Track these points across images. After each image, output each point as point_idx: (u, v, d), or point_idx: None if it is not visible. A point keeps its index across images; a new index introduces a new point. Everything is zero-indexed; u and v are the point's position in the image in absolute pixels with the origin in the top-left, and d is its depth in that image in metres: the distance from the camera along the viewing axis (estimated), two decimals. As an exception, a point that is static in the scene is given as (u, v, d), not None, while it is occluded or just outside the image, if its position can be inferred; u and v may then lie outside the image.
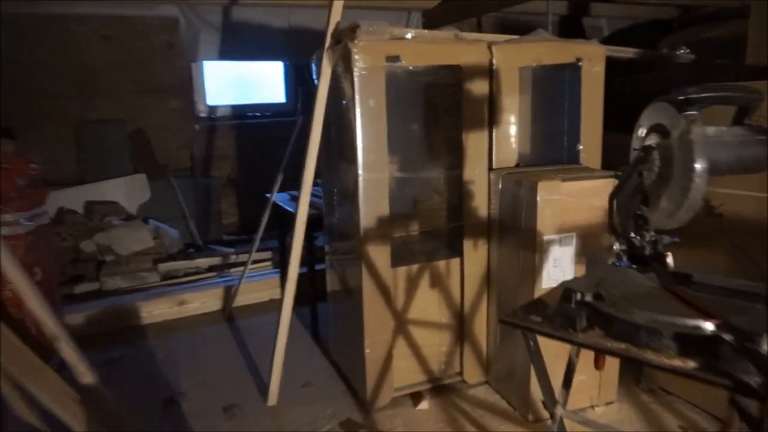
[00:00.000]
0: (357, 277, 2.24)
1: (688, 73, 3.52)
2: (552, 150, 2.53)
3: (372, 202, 2.16)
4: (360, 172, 2.12)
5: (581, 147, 2.54)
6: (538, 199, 2.04)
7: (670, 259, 1.27)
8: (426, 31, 2.17)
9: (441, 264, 2.37)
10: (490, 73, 2.28)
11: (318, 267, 3.04)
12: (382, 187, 2.17)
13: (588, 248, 2.16)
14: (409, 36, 2.09)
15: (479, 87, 2.28)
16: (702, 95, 1.13)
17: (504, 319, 1.22)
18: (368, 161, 2.13)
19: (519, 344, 2.22)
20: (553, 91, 2.49)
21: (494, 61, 2.27)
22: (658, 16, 6.05)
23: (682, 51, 3.27)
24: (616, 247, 1.31)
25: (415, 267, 2.32)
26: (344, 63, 2.13)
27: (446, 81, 2.24)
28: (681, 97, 1.14)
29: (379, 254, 2.21)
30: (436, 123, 2.28)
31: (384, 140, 2.14)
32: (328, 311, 2.81)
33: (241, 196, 4.94)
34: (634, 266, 1.26)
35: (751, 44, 2.77)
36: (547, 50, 2.39)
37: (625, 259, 1.28)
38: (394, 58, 2.08)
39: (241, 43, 4.52)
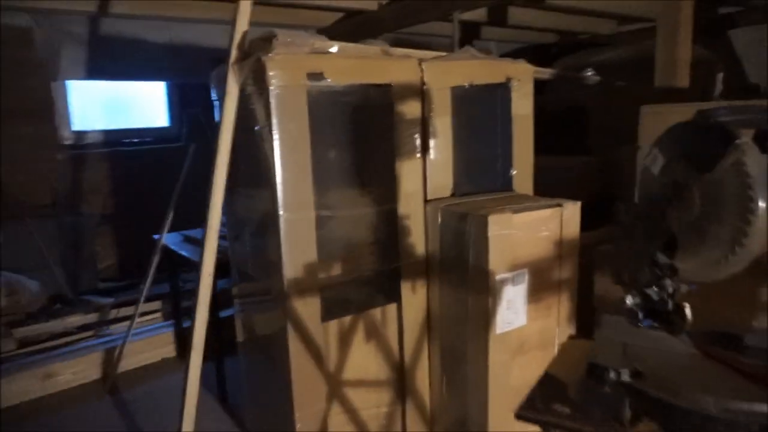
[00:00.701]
0: (280, 333, 1.85)
1: (588, 94, 3.57)
2: (485, 176, 2.33)
3: (297, 247, 1.79)
4: (281, 212, 1.75)
5: (514, 172, 2.37)
6: (489, 234, 1.80)
7: (688, 311, 1.06)
8: (351, 45, 1.87)
9: (376, 312, 2.05)
10: (421, 93, 2.03)
11: (224, 314, 2.59)
12: (308, 228, 1.81)
13: (538, 285, 1.96)
14: (333, 50, 1.78)
15: (411, 108, 2.02)
16: (738, 117, 0.93)
17: (522, 414, 0.92)
18: (290, 199, 1.76)
19: (470, 391, 1.96)
20: (483, 113, 2.29)
21: (425, 80, 2.02)
22: (541, 41, 6.29)
23: (589, 73, 3.31)
24: (630, 301, 1.07)
25: (347, 319, 1.98)
26: (256, 81, 1.76)
27: (376, 102, 1.95)
28: (714, 119, 0.93)
29: (308, 309, 1.84)
30: (367, 151, 1.98)
31: (308, 173, 1.80)
32: (239, 367, 2.37)
33: (119, 235, 4.27)
34: (658, 325, 1.03)
35: (659, 67, 2.79)
36: (478, 69, 2.19)
37: (643, 316, 1.06)
38: (317, 76, 1.75)
39: (114, 60, 3.93)
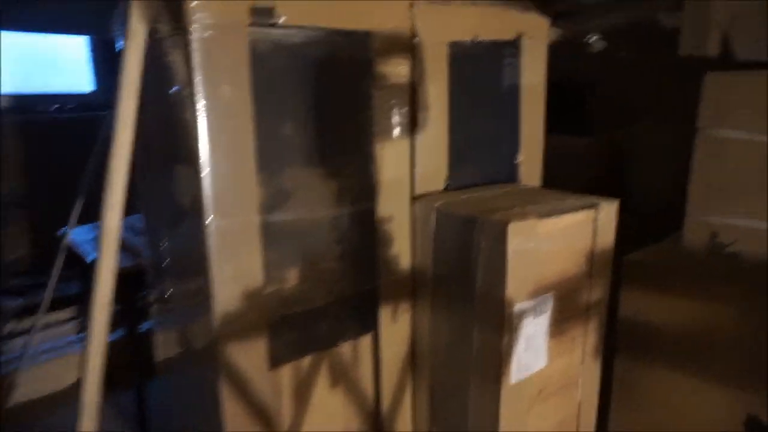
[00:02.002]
0: (210, 384, 1.30)
1: (591, 64, 3.09)
2: (487, 163, 1.81)
3: (233, 267, 1.23)
4: (208, 216, 1.18)
5: (521, 158, 1.86)
6: (508, 248, 1.28)
7: None
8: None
9: (346, 348, 1.52)
10: (411, 48, 1.48)
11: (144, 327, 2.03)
12: (249, 239, 1.25)
13: (564, 313, 1.47)
14: (289, -25, 1.20)
15: (396, 69, 1.46)
16: None
17: None
18: (223, 197, 1.19)
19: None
20: (487, 80, 1.76)
21: (417, 30, 1.47)
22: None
23: (596, 38, 2.84)
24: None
25: (306, 360, 1.44)
26: (172, 18, 1.17)
27: (348, 58, 1.38)
28: None
29: (250, 355, 1.29)
30: (334, 127, 1.41)
31: (249, 158, 1.23)
32: (162, 390, 1.82)
33: (35, 220, 3.58)
34: None
35: (686, 31, 2.30)
36: (484, 19, 1.64)
37: None
38: (266, 13, 1.17)
39: (27, 7, 3.19)
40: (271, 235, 1.30)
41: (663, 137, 2.38)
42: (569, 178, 2.66)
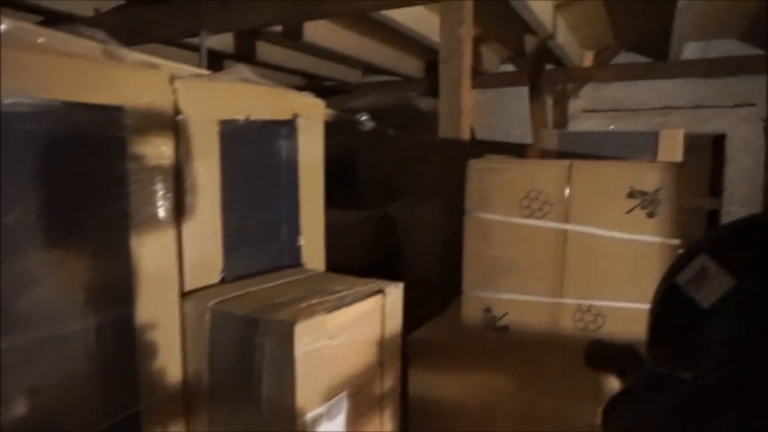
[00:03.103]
0: None
1: (362, 139, 3.23)
2: (266, 248, 1.67)
3: None
4: None
5: (303, 240, 1.77)
6: (296, 352, 1.14)
7: None
8: (41, 29, 1.04)
9: (97, 498, 1.18)
10: (175, 126, 1.29)
11: None
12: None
13: (358, 409, 1.37)
14: (2, 27, 0.93)
15: (158, 149, 1.26)
16: None
17: None
18: None
19: None
20: (262, 159, 1.65)
21: (182, 107, 1.29)
22: (288, 83, 5.96)
23: (365, 118, 2.97)
24: None
25: None
26: None
27: (92, 135, 1.14)
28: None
29: None
30: (79, 218, 1.13)
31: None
32: None
33: None
34: None
35: (443, 118, 2.55)
36: (257, 99, 1.55)
37: None
38: (-36, 77, 0.89)
39: None
40: (-23, 370, 0.95)
41: (431, 211, 2.55)
42: (351, 251, 2.69)
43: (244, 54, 4.33)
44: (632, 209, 1.37)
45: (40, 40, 0.99)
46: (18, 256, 1.05)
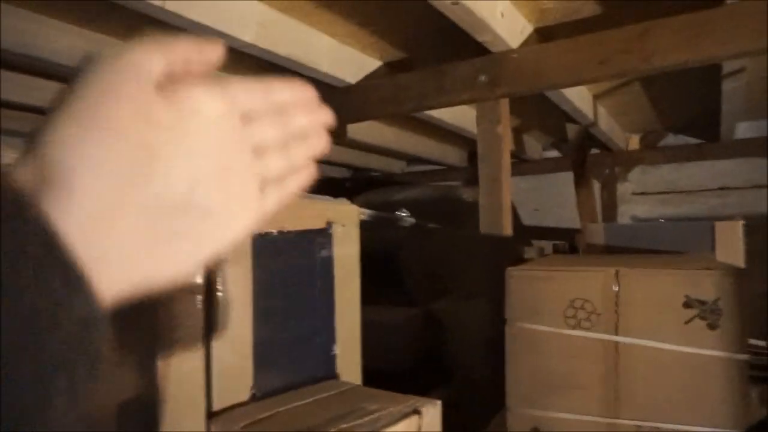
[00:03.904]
0: None
1: (405, 233, 3.21)
2: (299, 361, 1.61)
3: None
4: None
5: (337, 350, 1.71)
6: (322, 490, 1.05)
7: None
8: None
9: None
10: (206, 244, 1.30)
11: None
12: None
13: None
14: None
15: (187, 269, 1.26)
16: None
17: None
18: None
19: None
20: (296, 270, 1.63)
21: (213, 225, 1.31)
22: (334, 175, 6.13)
23: (404, 214, 2.97)
24: None
25: None
26: None
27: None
28: None
29: None
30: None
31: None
32: None
33: None
34: None
35: (484, 213, 2.50)
36: (291, 209, 1.56)
37: None
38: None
39: None
40: None
41: (476, 309, 2.45)
42: (392, 351, 2.59)
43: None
44: (691, 320, 1.25)
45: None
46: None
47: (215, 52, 0.40)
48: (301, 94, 0.46)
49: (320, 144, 0.49)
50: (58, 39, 2.39)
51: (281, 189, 0.49)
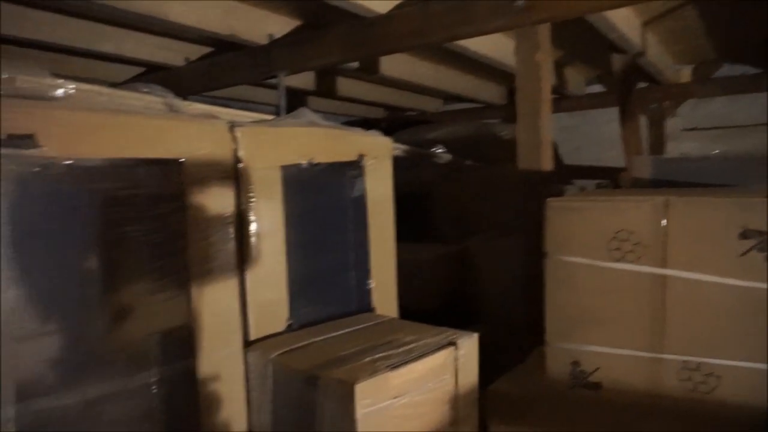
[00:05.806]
0: None
1: (432, 175, 3.13)
2: (334, 293, 1.61)
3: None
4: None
5: (373, 284, 1.69)
6: (357, 414, 1.06)
7: None
8: (102, 89, 1.06)
9: None
10: (235, 175, 1.27)
11: None
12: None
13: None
14: (60, 92, 0.95)
15: (218, 200, 1.24)
16: None
17: None
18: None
19: None
20: (328, 203, 1.60)
21: (242, 155, 1.27)
22: (369, 115, 6.02)
23: (440, 150, 2.89)
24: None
25: None
26: None
27: (151, 191, 1.13)
28: None
29: None
30: (136, 271, 1.12)
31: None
32: None
33: None
34: None
35: (522, 149, 2.39)
36: (320, 142, 1.51)
37: None
38: (22, 140, 0.90)
39: None
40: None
41: (513, 247, 2.39)
42: (426, 288, 2.57)
43: (325, 90, 4.40)
44: (747, 251, 1.17)
45: (102, 99, 1.00)
46: (83, 309, 1.05)
47: None
48: None
49: None
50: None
51: None
